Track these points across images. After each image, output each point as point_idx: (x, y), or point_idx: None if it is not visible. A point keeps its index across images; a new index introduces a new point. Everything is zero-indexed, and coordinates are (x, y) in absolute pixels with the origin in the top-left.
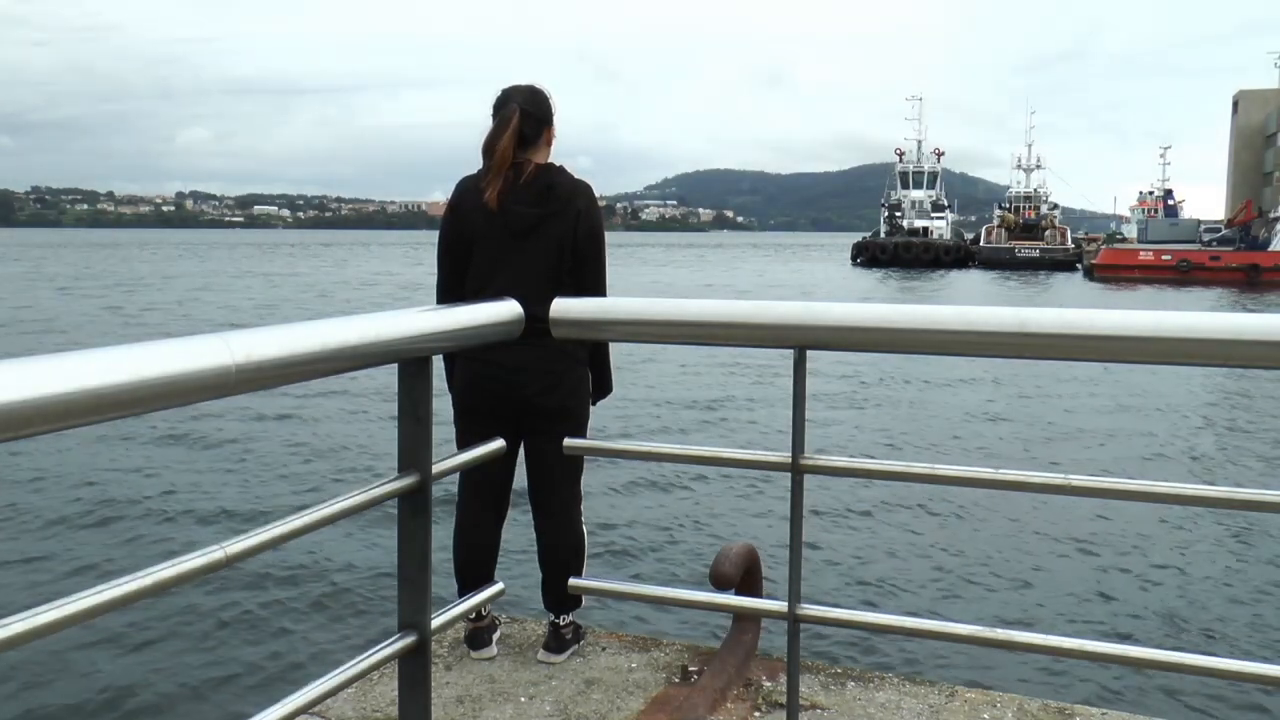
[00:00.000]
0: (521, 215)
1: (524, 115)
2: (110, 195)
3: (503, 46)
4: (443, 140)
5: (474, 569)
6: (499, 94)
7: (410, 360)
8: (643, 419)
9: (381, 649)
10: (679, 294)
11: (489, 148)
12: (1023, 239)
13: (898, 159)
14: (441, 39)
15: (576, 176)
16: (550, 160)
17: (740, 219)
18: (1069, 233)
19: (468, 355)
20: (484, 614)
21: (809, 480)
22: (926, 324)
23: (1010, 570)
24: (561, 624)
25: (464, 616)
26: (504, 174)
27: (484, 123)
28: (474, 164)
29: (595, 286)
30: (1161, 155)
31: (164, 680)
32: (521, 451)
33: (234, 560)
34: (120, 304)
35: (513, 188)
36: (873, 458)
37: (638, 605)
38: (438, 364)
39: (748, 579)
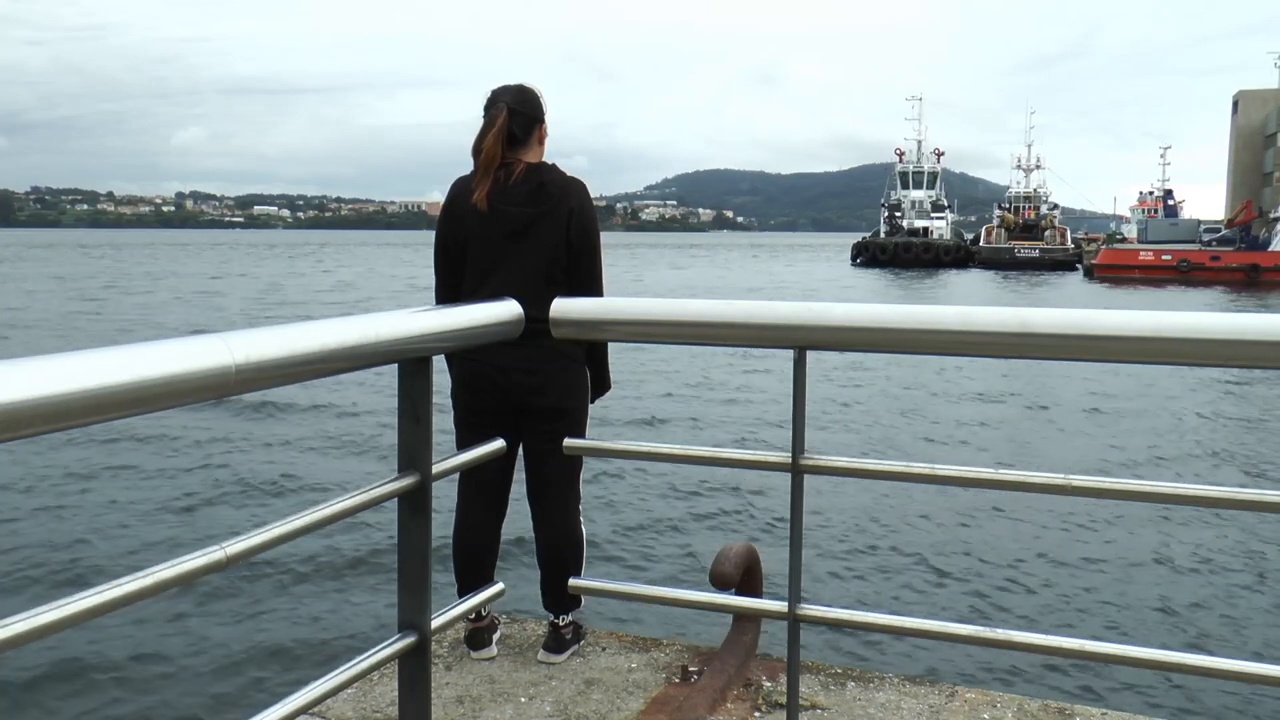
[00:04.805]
0: (514, 215)
1: (512, 114)
2: (110, 195)
3: (502, 46)
4: (443, 140)
5: (473, 569)
6: (489, 94)
7: (410, 360)
8: (642, 419)
9: (381, 649)
10: (680, 296)
11: (477, 148)
12: (1023, 239)
13: (898, 159)
14: (441, 39)
15: (569, 175)
16: (544, 159)
17: (740, 219)
18: (1069, 233)
19: (465, 356)
20: (484, 614)
21: (809, 480)
22: (927, 324)
23: (1010, 570)
24: (561, 624)
25: (464, 617)
26: (492, 174)
27: (480, 123)
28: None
29: (590, 285)
30: (1161, 155)
31: (164, 680)
32: (520, 451)
33: (234, 560)
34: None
35: (503, 188)
36: (873, 458)
37: (638, 605)
38: (439, 364)
39: (748, 579)
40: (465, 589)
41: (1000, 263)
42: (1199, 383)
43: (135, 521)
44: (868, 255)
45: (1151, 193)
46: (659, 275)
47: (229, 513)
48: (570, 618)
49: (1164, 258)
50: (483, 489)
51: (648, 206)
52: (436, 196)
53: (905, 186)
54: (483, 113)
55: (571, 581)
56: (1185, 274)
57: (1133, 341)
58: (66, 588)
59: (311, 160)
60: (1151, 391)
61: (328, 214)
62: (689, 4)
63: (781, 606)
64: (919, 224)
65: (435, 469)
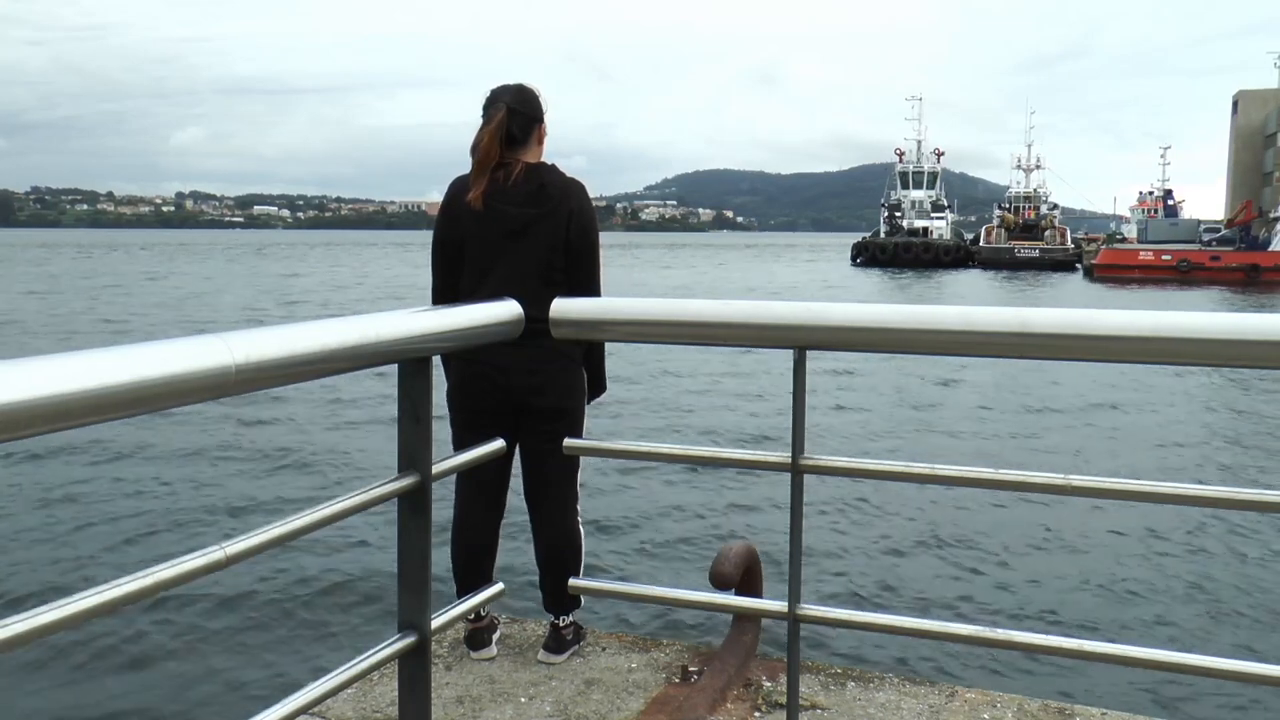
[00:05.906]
0: (513, 216)
1: (511, 114)
2: (110, 195)
3: (502, 46)
4: (443, 140)
5: (473, 569)
6: (488, 94)
7: (410, 360)
8: (642, 418)
9: (381, 649)
10: (680, 296)
11: (475, 148)
12: (1023, 239)
13: (898, 159)
14: (441, 39)
15: (569, 175)
16: (544, 159)
17: (740, 219)
18: (1069, 233)
19: (462, 356)
20: (483, 614)
21: (809, 480)
22: (927, 324)
23: (1010, 570)
24: (562, 625)
25: (464, 617)
26: (490, 174)
27: (480, 123)
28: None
29: (589, 285)
30: (1161, 155)
31: (164, 681)
32: (518, 452)
33: (234, 560)
34: None
35: (501, 188)
36: (873, 458)
37: (638, 605)
38: (437, 364)
39: (748, 579)
40: (465, 589)
41: (1000, 263)
42: (1199, 383)
43: (136, 521)
44: (868, 255)
45: (1151, 193)
46: (659, 276)
47: (228, 513)
48: (571, 618)
49: (1164, 258)
50: (483, 489)
51: (647, 206)
52: (436, 196)
53: (905, 186)
54: (482, 112)
55: (571, 582)
56: (1185, 274)
57: (1133, 341)
58: (65, 589)
59: (311, 160)
60: (1151, 391)
61: (328, 214)
62: (689, 4)
63: (781, 606)
64: (919, 224)
65: (435, 469)
